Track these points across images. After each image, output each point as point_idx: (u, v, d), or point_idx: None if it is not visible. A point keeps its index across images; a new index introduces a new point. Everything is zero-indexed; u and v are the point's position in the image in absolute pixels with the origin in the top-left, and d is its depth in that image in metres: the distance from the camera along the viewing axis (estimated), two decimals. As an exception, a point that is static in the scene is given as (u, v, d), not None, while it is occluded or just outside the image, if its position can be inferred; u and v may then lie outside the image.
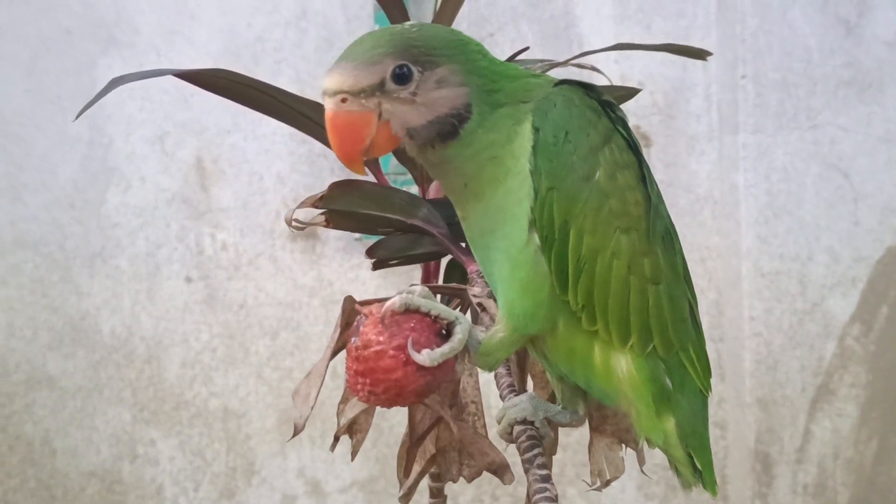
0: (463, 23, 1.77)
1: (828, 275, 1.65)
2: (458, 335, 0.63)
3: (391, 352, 0.60)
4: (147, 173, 1.91)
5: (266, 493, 1.92)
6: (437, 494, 0.98)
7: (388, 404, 0.62)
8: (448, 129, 0.64)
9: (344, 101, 0.62)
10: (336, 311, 1.86)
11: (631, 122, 1.80)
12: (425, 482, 0.94)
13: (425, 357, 0.61)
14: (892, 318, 1.62)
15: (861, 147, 1.62)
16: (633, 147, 0.68)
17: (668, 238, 0.68)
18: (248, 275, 1.90)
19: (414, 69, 0.62)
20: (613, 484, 1.87)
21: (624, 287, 0.66)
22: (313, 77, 1.84)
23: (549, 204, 0.63)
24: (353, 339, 0.62)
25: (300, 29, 1.85)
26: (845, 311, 1.65)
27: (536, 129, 0.64)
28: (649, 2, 1.71)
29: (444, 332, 0.64)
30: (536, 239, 0.64)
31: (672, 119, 1.70)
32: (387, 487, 1.82)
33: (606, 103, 0.68)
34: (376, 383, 0.61)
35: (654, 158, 1.70)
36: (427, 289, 0.64)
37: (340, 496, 1.90)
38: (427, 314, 0.63)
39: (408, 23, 0.65)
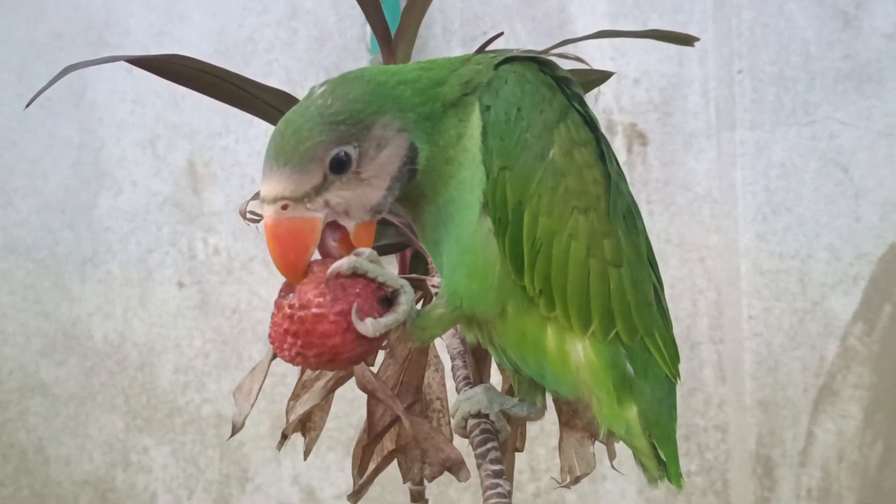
0: (456, 21, 1.75)
1: (828, 273, 1.61)
2: (403, 305, 0.60)
3: (332, 317, 0.56)
4: (138, 177, 1.90)
5: (260, 500, 1.89)
6: (418, 498, 0.94)
7: (315, 368, 0.58)
8: (407, 175, 0.60)
9: (285, 207, 0.57)
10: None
11: (627, 120, 1.76)
12: (408, 485, 0.91)
13: (369, 327, 0.57)
14: (895, 316, 1.58)
15: (861, 141, 1.58)
16: (590, 124, 0.64)
17: (631, 218, 0.65)
18: (240, 279, 1.88)
19: (350, 149, 0.57)
20: (613, 488, 1.82)
21: (583, 270, 0.62)
22: (304, 77, 1.82)
23: (502, 184, 0.60)
24: (287, 296, 0.58)
25: (291, 29, 1.83)
26: (847, 309, 1.60)
27: (487, 108, 0.61)
28: (644, -2, 1.69)
29: (387, 298, 0.61)
30: (489, 223, 0.61)
31: (669, 116, 1.67)
32: (382, 494, 1.78)
33: (562, 79, 0.65)
34: (309, 346, 0.56)
35: (652, 156, 1.66)
36: (375, 253, 0.60)
37: (335, 503, 1.86)
38: (373, 280, 0.59)
39: (318, 90, 0.59)
